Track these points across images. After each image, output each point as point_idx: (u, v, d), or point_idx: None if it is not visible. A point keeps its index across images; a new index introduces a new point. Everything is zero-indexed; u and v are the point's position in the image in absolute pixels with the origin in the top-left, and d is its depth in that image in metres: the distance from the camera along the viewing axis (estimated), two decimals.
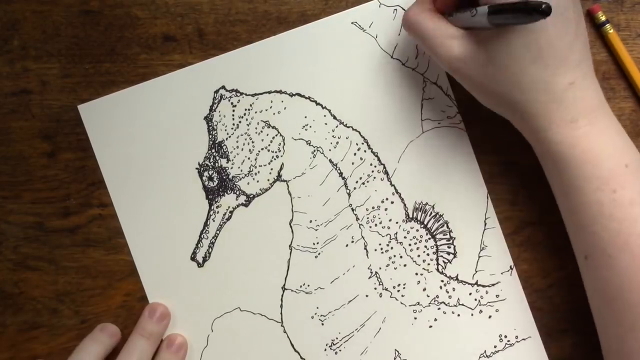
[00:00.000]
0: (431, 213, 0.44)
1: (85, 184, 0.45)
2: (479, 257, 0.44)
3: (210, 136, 0.45)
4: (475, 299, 0.44)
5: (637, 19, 0.44)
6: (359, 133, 0.45)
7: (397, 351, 0.44)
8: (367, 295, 0.45)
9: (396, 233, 0.45)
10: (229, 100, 0.45)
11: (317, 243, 0.45)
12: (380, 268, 0.44)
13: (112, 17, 0.45)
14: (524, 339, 0.44)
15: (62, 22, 0.45)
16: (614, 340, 0.37)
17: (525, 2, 0.32)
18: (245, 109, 0.45)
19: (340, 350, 0.45)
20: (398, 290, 0.44)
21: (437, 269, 0.44)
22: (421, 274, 0.44)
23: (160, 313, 0.44)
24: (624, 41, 0.44)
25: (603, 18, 0.44)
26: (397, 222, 0.45)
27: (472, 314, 0.44)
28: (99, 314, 0.45)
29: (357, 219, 0.45)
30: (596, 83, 0.38)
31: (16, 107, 0.45)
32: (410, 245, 0.44)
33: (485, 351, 0.44)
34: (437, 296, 0.44)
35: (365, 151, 0.45)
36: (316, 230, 0.45)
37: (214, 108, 0.45)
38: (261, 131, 0.45)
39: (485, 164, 0.44)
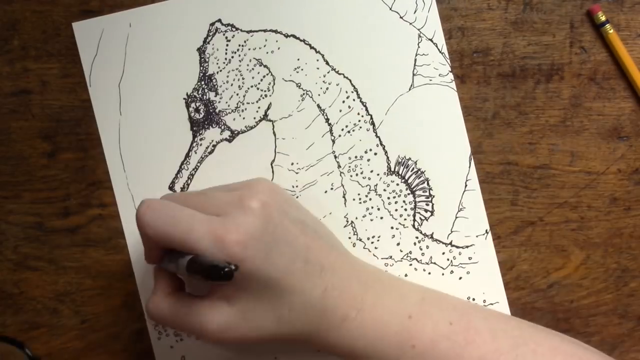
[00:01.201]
0: (413, 169, 0.44)
1: (85, 184, 0.45)
2: (456, 217, 0.44)
3: (202, 68, 0.45)
4: (448, 259, 0.44)
5: (637, 19, 0.44)
6: (350, 81, 0.45)
7: None
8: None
9: (376, 185, 0.45)
10: (224, 35, 0.45)
11: (297, 186, 0.45)
12: (356, 218, 0.45)
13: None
14: (491, 304, 0.44)
15: (62, 22, 0.45)
16: None
17: (213, 265, 0.32)
18: (239, 45, 0.45)
19: None
20: (372, 242, 0.45)
21: (413, 225, 0.44)
22: (397, 229, 0.44)
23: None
24: (624, 41, 0.44)
25: (603, 18, 0.44)
26: (378, 174, 0.45)
27: (442, 273, 0.44)
28: (99, 314, 0.45)
29: (339, 166, 0.45)
30: (348, 266, 0.39)
31: (16, 107, 0.45)
32: (389, 198, 0.45)
33: None
34: (410, 252, 0.44)
35: (354, 100, 0.45)
36: (297, 173, 0.45)
37: (207, 40, 0.45)
38: (252, 69, 0.45)
39: (485, 164, 0.45)
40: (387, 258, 0.45)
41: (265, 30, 0.45)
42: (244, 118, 0.45)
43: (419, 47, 0.44)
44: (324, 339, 0.38)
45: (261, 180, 0.38)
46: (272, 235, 0.35)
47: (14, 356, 0.39)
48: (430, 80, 0.44)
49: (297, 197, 0.45)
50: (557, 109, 0.44)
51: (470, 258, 0.44)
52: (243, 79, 0.45)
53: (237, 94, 0.45)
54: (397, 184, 0.45)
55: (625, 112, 0.44)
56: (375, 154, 0.45)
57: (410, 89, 0.45)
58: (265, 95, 0.45)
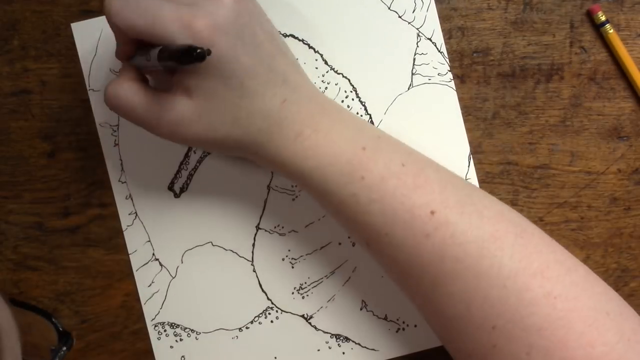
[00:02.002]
0: None
1: (85, 184, 0.45)
2: None
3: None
4: None
5: (637, 19, 0.44)
6: (349, 81, 0.45)
7: (364, 302, 0.45)
8: (340, 243, 0.45)
9: None
10: None
11: (296, 186, 0.45)
12: None
13: None
14: None
15: (62, 22, 0.45)
16: (425, 308, 0.38)
17: (185, 48, 0.32)
18: None
19: (307, 295, 0.45)
20: None
21: None
22: None
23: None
24: (624, 41, 0.44)
25: (603, 18, 0.44)
26: None
27: None
28: (99, 314, 0.45)
29: None
30: (310, 89, 0.39)
31: (16, 107, 0.45)
32: None
33: None
34: None
35: (353, 99, 0.45)
36: None
37: None
38: None
39: (485, 164, 0.45)
40: None
41: None
42: None
43: (417, 46, 0.44)
44: (274, 153, 0.38)
45: None
46: (240, 31, 0.35)
47: (43, 327, 0.38)
48: (429, 79, 0.44)
49: (296, 196, 0.45)
50: (557, 109, 0.44)
51: None
52: None
53: None
54: None
55: (625, 112, 0.44)
56: None
57: (409, 89, 0.45)
58: None
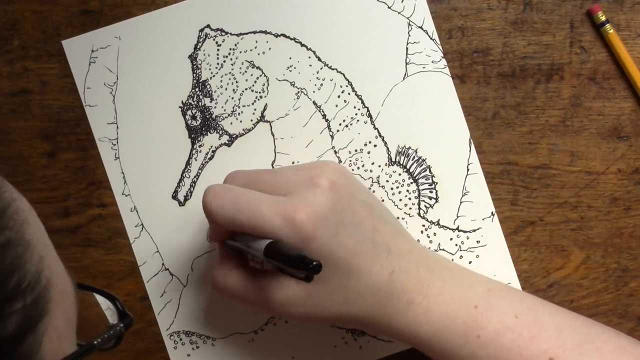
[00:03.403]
0: (414, 157, 0.44)
1: (85, 184, 0.45)
2: (461, 202, 0.45)
3: (195, 75, 0.45)
4: (456, 244, 0.44)
5: (637, 19, 0.44)
6: (344, 75, 0.45)
7: None
8: None
9: (378, 176, 0.45)
10: (214, 40, 0.45)
11: None
12: None
13: (112, 17, 0.45)
14: None
15: (62, 22, 0.45)
16: None
17: (300, 257, 0.32)
18: (230, 49, 0.45)
19: None
20: None
21: (419, 214, 0.44)
22: (402, 218, 0.44)
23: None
24: (624, 41, 0.44)
25: (603, 18, 0.44)
26: (379, 166, 0.45)
27: (452, 259, 0.44)
28: None
29: (340, 161, 0.45)
30: (415, 250, 0.39)
31: (16, 107, 0.45)
32: (392, 189, 0.45)
33: None
34: (418, 240, 0.44)
35: (349, 94, 0.45)
36: None
37: (198, 47, 0.45)
38: (245, 71, 0.45)
39: (485, 164, 0.45)
40: None
41: (254, 32, 0.45)
42: (241, 121, 0.45)
43: (409, 35, 0.44)
44: (387, 323, 0.38)
45: (329, 161, 0.39)
46: (340, 215, 0.36)
47: (98, 310, 0.37)
48: (424, 67, 0.44)
49: None
50: (557, 109, 0.44)
51: (478, 241, 0.44)
52: (237, 82, 0.45)
53: (232, 98, 0.45)
54: (399, 174, 0.45)
55: (625, 112, 0.44)
56: (375, 145, 0.45)
57: (404, 78, 0.45)
58: (261, 97, 0.45)
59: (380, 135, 0.45)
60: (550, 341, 0.37)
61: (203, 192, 0.37)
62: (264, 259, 0.35)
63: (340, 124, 0.45)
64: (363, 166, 0.45)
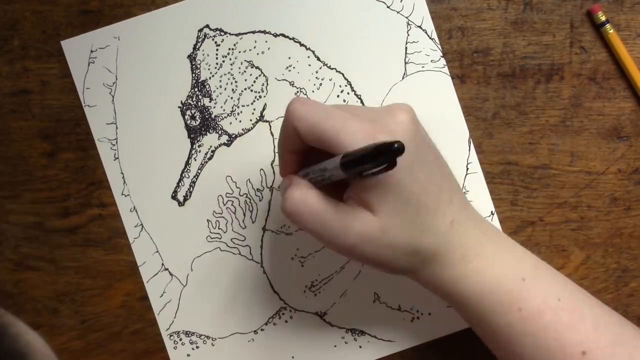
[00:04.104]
0: None
1: (85, 184, 0.45)
2: None
3: (194, 75, 0.45)
4: None
5: (637, 19, 0.44)
6: (343, 75, 0.45)
7: (377, 294, 0.45)
8: None
9: None
10: (213, 39, 0.45)
11: None
12: None
13: (112, 17, 0.45)
14: None
15: (62, 22, 0.45)
16: None
17: (376, 146, 0.31)
18: (229, 49, 0.45)
19: (319, 292, 0.45)
20: None
21: None
22: None
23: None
24: (624, 41, 0.44)
25: (603, 18, 0.44)
26: None
27: None
28: (99, 314, 0.45)
29: None
30: (472, 210, 0.39)
31: (16, 107, 0.45)
32: None
33: None
34: None
35: (348, 93, 0.45)
36: None
37: (197, 47, 0.45)
38: (245, 71, 0.45)
39: (485, 164, 0.45)
40: None
41: (253, 32, 0.45)
42: (240, 121, 0.45)
43: (408, 34, 0.45)
44: (436, 272, 0.37)
45: (403, 103, 0.37)
46: (417, 149, 0.35)
47: None
48: (423, 67, 0.44)
49: None
50: (557, 109, 0.44)
51: None
52: (236, 82, 0.45)
53: (232, 98, 0.45)
54: None
55: (625, 112, 0.44)
56: None
57: (403, 78, 0.45)
58: (260, 97, 0.45)
59: None
60: (586, 334, 0.37)
61: (205, 196, 0.36)
62: (336, 175, 0.34)
63: None
64: None
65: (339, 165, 0.33)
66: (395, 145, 0.30)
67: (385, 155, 0.30)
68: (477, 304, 0.37)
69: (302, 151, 0.37)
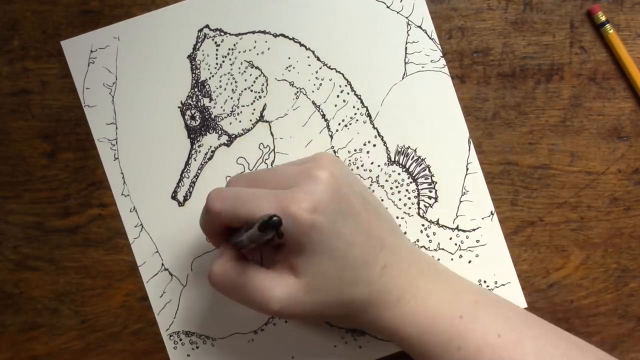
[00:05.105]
0: (413, 157, 0.45)
1: (85, 184, 0.45)
2: (460, 202, 0.45)
3: (194, 75, 0.45)
4: (456, 244, 0.44)
5: (637, 19, 0.44)
6: (343, 75, 0.45)
7: None
8: None
9: (378, 176, 0.45)
10: (213, 40, 0.45)
11: None
12: None
13: (112, 17, 0.45)
14: (503, 285, 0.44)
15: (62, 22, 0.45)
16: None
17: (261, 222, 0.32)
18: (229, 49, 0.45)
19: None
20: None
21: (418, 213, 0.45)
22: (402, 218, 0.45)
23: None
24: (624, 41, 0.44)
25: (603, 18, 0.44)
26: (378, 165, 0.45)
27: (452, 259, 0.44)
28: (99, 314, 0.45)
29: None
30: (408, 252, 0.39)
31: (16, 107, 0.45)
32: (391, 188, 0.45)
33: None
34: (418, 240, 0.44)
35: (348, 93, 0.45)
36: None
37: (197, 47, 0.45)
38: (244, 71, 0.45)
39: (485, 164, 0.45)
40: None
41: (253, 32, 0.45)
42: (240, 121, 0.45)
43: (408, 35, 0.45)
44: (375, 318, 0.38)
45: (325, 153, 0.38)
46: (338, 205, 0.36)
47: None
48: (423, 67, 0.45)
49: None
50: (557, 109, 0.44)
51: (477, 241, 0.44)
52: (236, 82, 0.45)
53: (232, 98, 0.45)
54: (399, 174, 0.45)
55: (625, 112, 0.44)
56: (374, 145, 0.45)
57: (403, 78, 0.45)
58: (260, 97, 0.45)
59: (379, 135, 0.45)
60: None
61: (206, 196, 0.38)
62: (257, 240, 0.35)
63: (339, 124, 0.45)
64: (362, 166, 0.45)
65: (248, 238, 0.35)
66: (274, 219, 0.31)
67: (271, 227, 0.32)
68: (417, 344, 0.38)
69: (226, 229, 0.39)
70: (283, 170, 0.38)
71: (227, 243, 0.39)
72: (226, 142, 0.45)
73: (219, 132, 0.45)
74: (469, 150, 0.44)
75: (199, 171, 0.45)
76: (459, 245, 0.44)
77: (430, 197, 0.45)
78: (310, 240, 0.35)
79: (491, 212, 0.44)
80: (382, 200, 0.44)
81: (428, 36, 0.44)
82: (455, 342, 0.37)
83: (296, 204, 0.35)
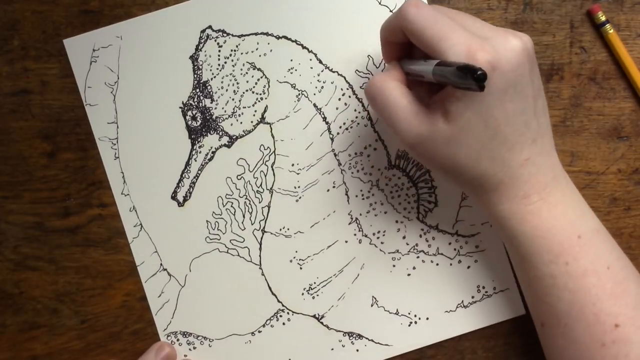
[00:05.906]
0: (413, 161, 0.45)
1: (85, 184, 0.45)
2: (460, 207, 0.45)
3: (196, 76, 0.45)
4: (455, 249, 0.45)
5: (637, 19, 0.44)
6: (344, 78, 0.45)
7: (375, 298, 0.45)
8: (346, 241, 0.45)
9: (378, 180, 0.45)
10: (215, 41, 0.45)
11: (299, 187, 0.45)
12: (360, 214, 0.45)
13: (112, 17, 0.45)
14: (501, 291, 0.44)
15: (62, 22, 0.45)
16: None
17: (461, 66, 0.31)
18: (231, 50, 0.45)
19: (317, 295, 0.45)
20: (378, 237, 0.45)
21: (418, 218, 0.45)
22: (401, 222, 0.45)
23: (166, 354, 0.44)
24: (624, 41, 0.44)
25: (603, 18, 0.44)
26: (379, 169, 0.45)
27: (450, 264, 0.44)
28: (99, 314, 0.45)
29: (340, 164, 0.45)
30: (553, 157, 0.39)
31: (16, 107, 0.45)
32: (391, 192, 0.45)
33: (462, 301, 0.44)
34: (417, 244, 0.45)
35: (350, 97, 0.45)
36: (298, 174, 0.45)
37: (200, 48, 0.45)
38: (246, 72, 0.45)
39: None
40: (393, 252, 0.45)
41: (256, 34, 0.45)
42: (241, 123, 0.45)
43: None
44: (494, 202, 0.38)
45: (526, 35, 0.37)
46: (516, 79, 0.35)
47: None
48: None
49: (299, 197, 0.45)
50: (557, 109, 0.44)
51: (477, 246, 0.44)
52: (237, 83, 0.45)
53: (233, 99, 0.45)
54: (399, 178, 0.45)
55: (625, 112, 0.45)
56: (375, 149, 0.45)
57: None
58: (261, 98, 0.45)
59: (380, 139, 0.45)
60: (625, 309, 0.36)
61: (205, 196, 0.37)
62: (428, 76, 0.34)
63: (340, 127, 0.45)
64: (363, 169, 0.45)
65: (430, 72, 0.34)
66: (478, 72, 0.30)
67: (469, 77, 0.31)
68: (526, 245, 0.37)
69: (404, 43, 0.38)
70: (481, 23, 0.37)
71: (397, 63, 0.39)
72: (227, 143, 0.45)
73: (220, 133, 0.45)
74: None
75: (199, 172, 0.45)
76: (458, 251, 0.44)
77: (430, 202, 0.45)
78: (475, 96, 0.34)
79: None
80: (382, 204, 0.44)
81: None
82: (565, 257, 0.37)
83: (482, 55, 0.34)
